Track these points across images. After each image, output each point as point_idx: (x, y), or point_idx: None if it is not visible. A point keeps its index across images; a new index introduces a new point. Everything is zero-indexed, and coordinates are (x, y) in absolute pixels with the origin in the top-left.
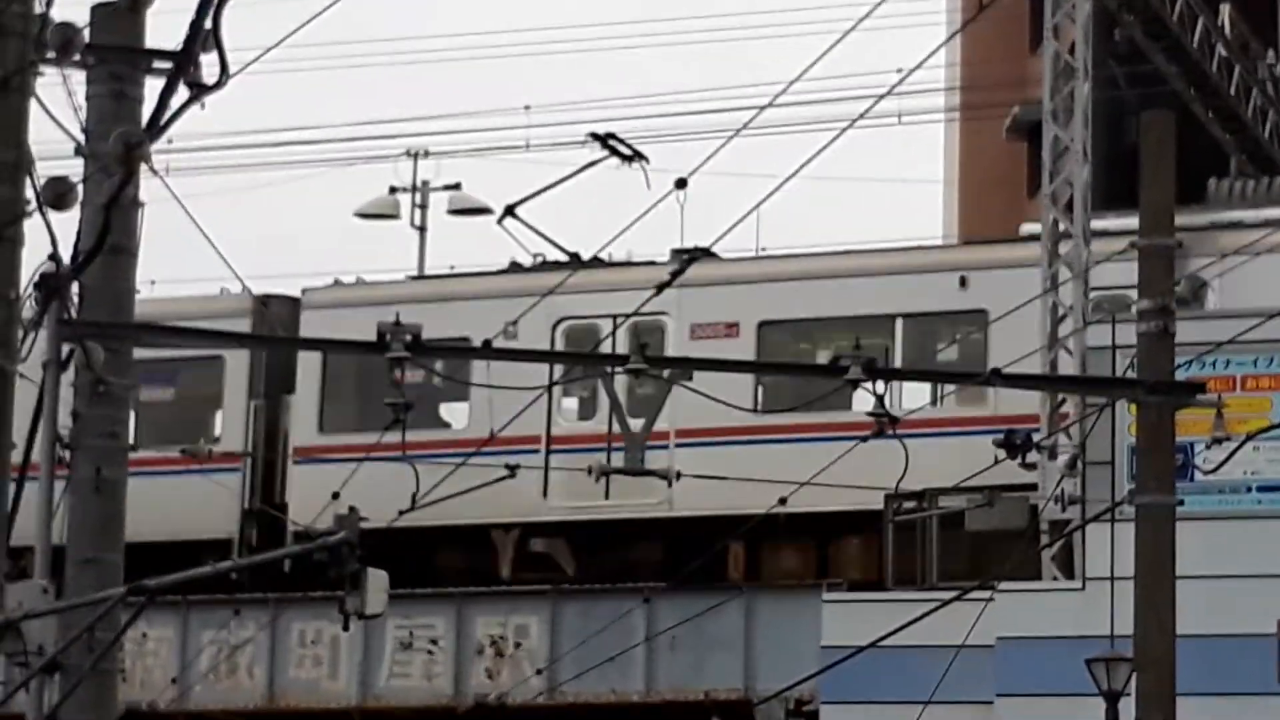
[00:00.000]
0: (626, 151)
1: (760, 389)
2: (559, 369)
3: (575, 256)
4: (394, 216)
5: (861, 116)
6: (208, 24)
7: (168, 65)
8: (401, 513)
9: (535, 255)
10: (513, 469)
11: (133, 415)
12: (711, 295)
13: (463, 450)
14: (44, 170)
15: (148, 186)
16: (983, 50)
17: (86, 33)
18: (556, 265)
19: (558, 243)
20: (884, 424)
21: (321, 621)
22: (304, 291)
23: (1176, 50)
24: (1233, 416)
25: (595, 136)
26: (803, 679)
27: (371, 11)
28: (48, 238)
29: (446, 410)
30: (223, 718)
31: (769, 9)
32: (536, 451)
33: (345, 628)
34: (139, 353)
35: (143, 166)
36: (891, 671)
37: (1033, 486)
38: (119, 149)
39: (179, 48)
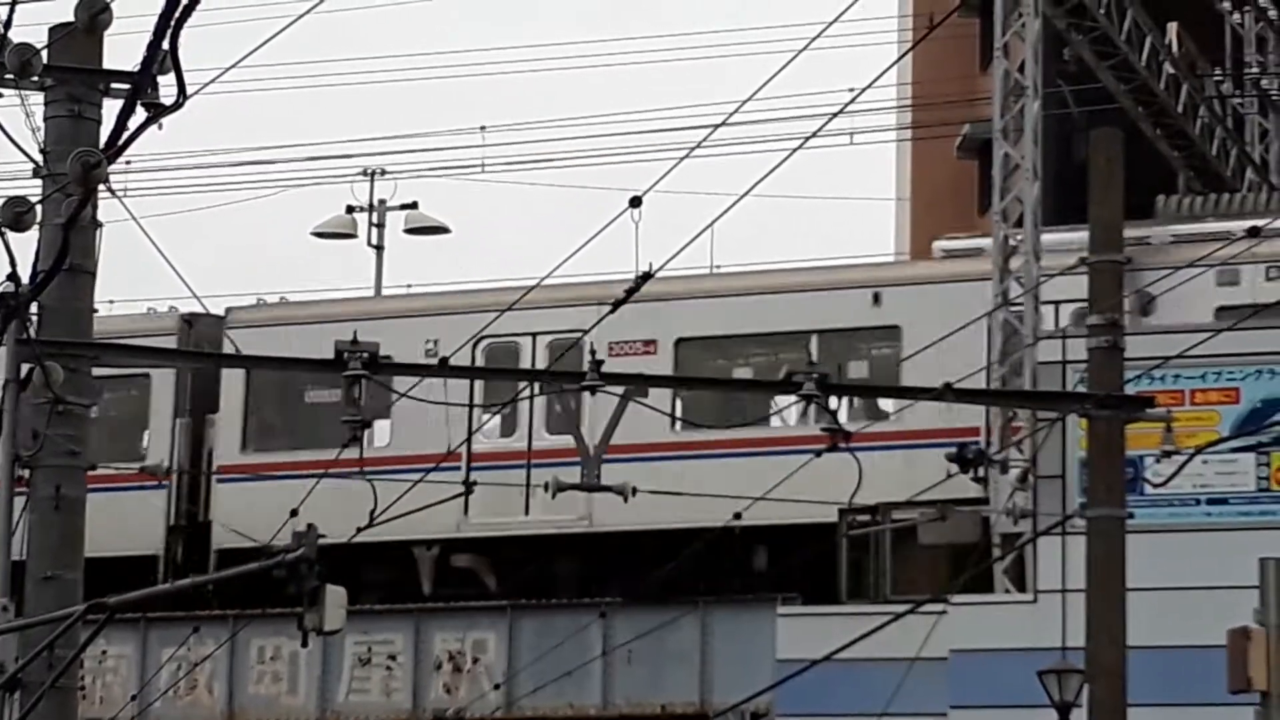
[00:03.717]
0: None
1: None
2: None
3: None
4: (351, 236)
5: (814, 135)
6: (165, 46)
7: (126, 86)
8: (360, 529)
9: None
10: (470, 485)
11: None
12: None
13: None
14: (2, 190)
15: (106, 207)
16: (933, 69)
17: (45, 54)
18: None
19: None
20: (837, 438)
21: (280, 638)
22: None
23: (1125, 69)
24: (1182, 431)
25: None
26: (758, 692)
27: (328, 33)
28: (6, 258)
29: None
30: None
31: (722, 29)
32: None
33: (304, 644)
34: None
35: (101, 187)
36: (846, 684)
37: (984, 500)
38: (77, 170)
39: (137, 69)
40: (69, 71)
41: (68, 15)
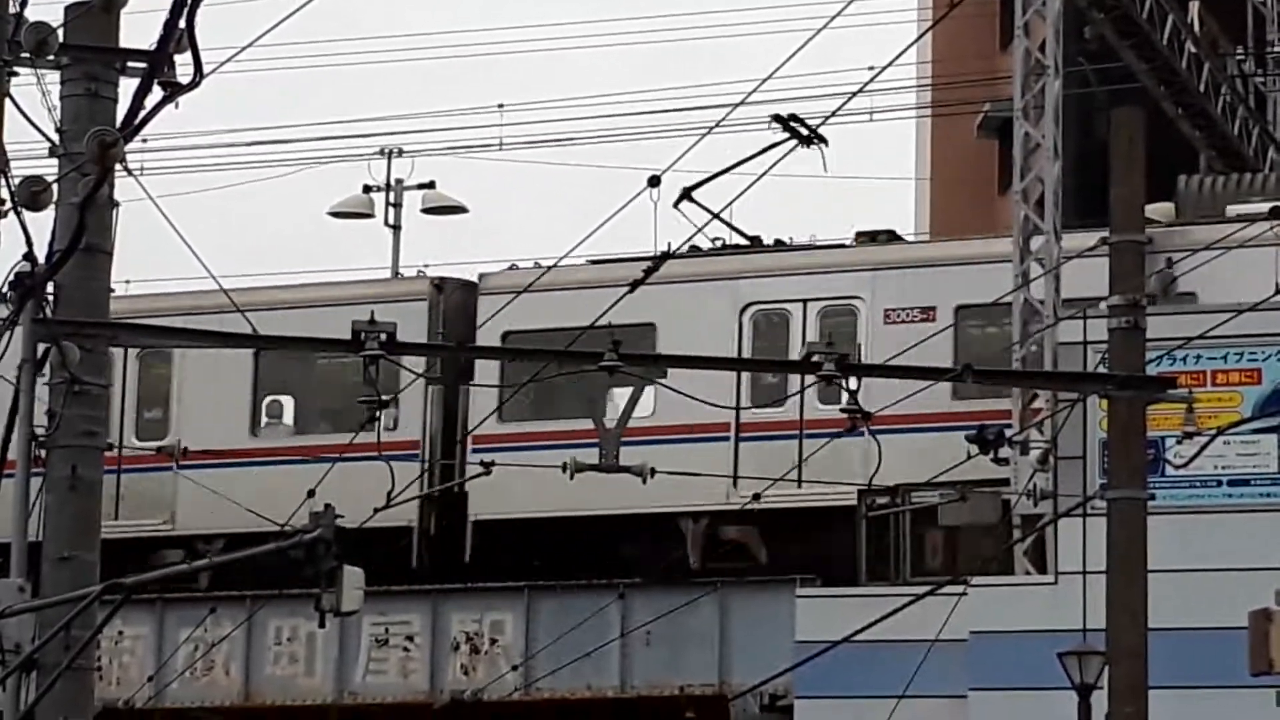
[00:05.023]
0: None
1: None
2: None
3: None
4: (368, 215)
5: (833, 114)
6: (182, 24)
7: (142, 65)
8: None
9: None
10: (488, 466)
11: None
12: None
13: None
14: (19, 170)
15: (122, 186)
16: (954, 48)
17: (61, 33)
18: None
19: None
20: (857, 420)
21: (297, 619)
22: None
23: (1146, 48)
24: (1203, 411)
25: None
26: (777, 674)
27: (344, 11)
28: (23, 237)
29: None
30: (199, 715)
31: (742, 7)
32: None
33: (321, 625)
34: None
35: (117, 166)
36: (865, 666)
37: (1005, 482)
38: (93, 149)
39: (153, 48)
40: (85, 50)
41: None
